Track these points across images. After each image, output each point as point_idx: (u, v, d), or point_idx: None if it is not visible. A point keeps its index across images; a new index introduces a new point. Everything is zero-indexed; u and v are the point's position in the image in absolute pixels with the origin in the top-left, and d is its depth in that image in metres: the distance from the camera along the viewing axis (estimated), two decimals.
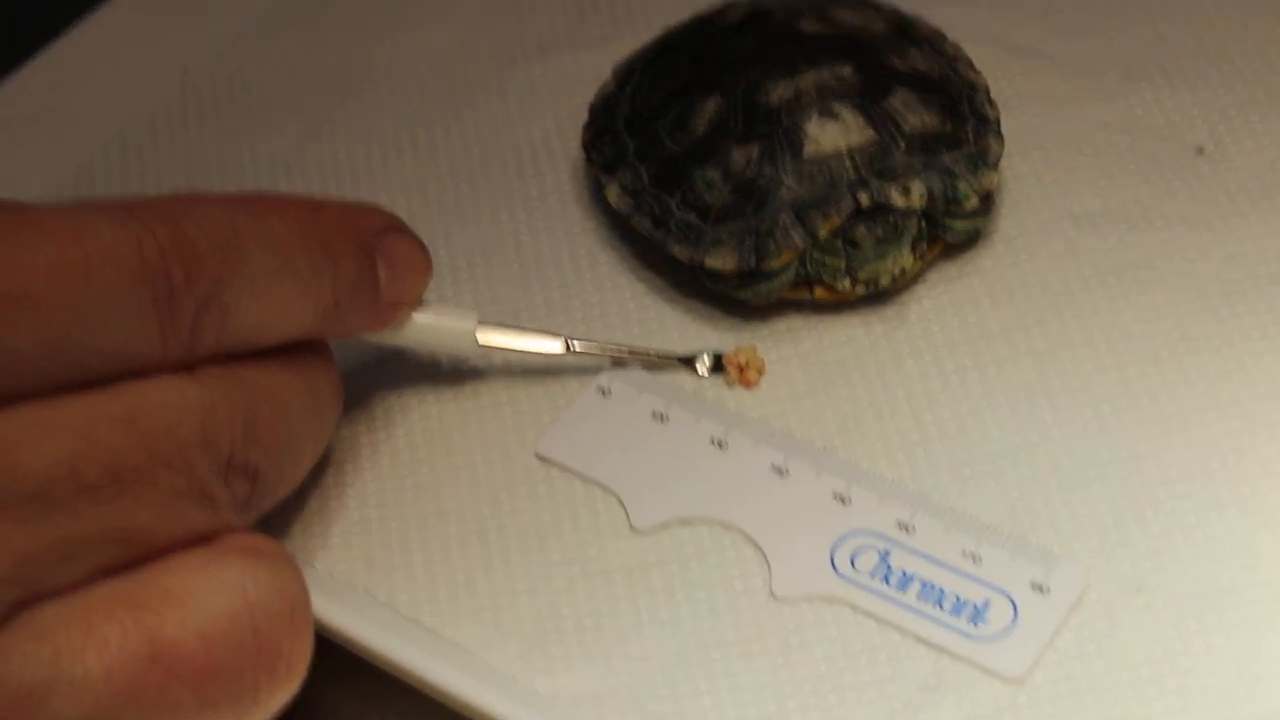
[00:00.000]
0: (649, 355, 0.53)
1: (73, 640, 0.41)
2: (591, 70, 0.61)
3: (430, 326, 0.51)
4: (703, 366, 0.53)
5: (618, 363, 0.53)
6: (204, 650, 0.42)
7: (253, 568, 0.43)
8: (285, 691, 0.44)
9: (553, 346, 0.52)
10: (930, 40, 0.58)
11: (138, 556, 0.43)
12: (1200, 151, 0.58)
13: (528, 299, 0.56)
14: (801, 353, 0.53)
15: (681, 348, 0.53)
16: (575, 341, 0.53)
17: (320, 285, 0.47)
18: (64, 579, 0.41)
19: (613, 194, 0.55)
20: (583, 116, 0.59)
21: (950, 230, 0.54)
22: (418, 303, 0.50)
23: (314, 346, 0.48)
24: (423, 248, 0.50)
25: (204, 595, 0.42)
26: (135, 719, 0.41)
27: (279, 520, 0.50)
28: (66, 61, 0.63)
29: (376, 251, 0.48)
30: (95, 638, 0.41)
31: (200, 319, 0.43)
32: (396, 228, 0.49)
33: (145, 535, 0.42)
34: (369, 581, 0.49)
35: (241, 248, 0.44)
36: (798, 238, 0.52)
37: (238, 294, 0.44)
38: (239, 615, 0.43)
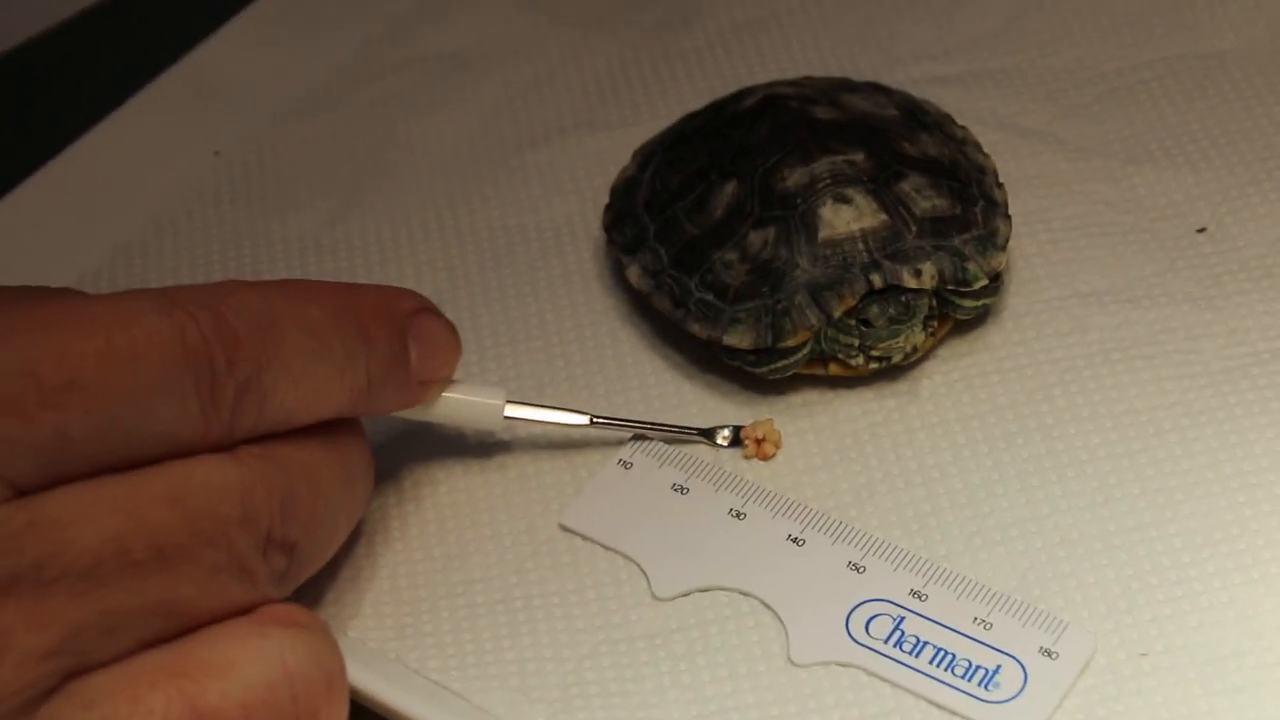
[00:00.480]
0: (670, 429, 0.55)
1: (119, 708, 0.42)
2: (611, 153, 0.63)
3: (460, 403, 0.52)
4: (723, 439, 0.54)
5: (639, 436, 0.54)
6: (244, 718, 0.43)
7: (291, 638, 0.45)
8: None
9: (577, 421, 0.54)
10: (940, 124, 0.59)
11: (181, 628, 0.44)
12: (1202, 231, 0.59)
13: (551, 374, 0.57)
14: (817, 426, 0.55)
15: (700, 421, 0.55)
16: (596, 418, 0.54)
17: (355, 367, 0.48)
18: (111, 650, 0.43)
19: (634, 274, 0.57)
20: (603, 198, 0.60)
21: (960, 308, 0.56)
22: (448, 381, 0.52)
23: (347, 424, 0.49)
24: (452, 328, 0.52)
25: (244, 665, 0.44)
26: None
27: (314, 590, 0.52)
28: (104, 146, 0.65)
29: (408, 332, 0.50)
30: (141, 707, 0.42)
31: (240, 402, 0.45)
32: (427, 309, 0.51)
33: (188, 608, 0.44)
34: (400, 649, 0.51)
35: (279, 333, 0.46)
36: (813, 317, 0.54)
37: (276, 377, 0.46)
38: (278, 684, 0.44)
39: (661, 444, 0.54)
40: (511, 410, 0.53)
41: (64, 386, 0.42)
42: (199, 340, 0.44)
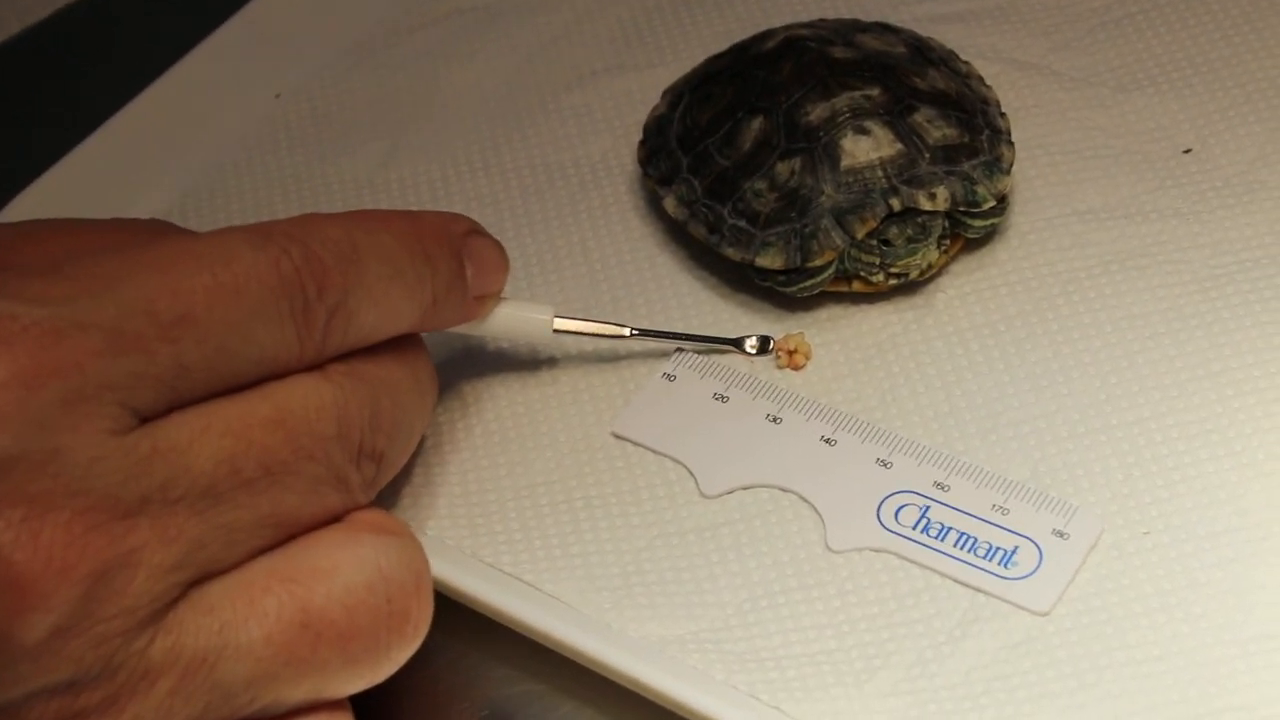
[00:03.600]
0: (703, 339, 0.59)
1: (237, 612, 0.46)
2: (640, 93, 0.67)
3: (513, 317, 0.56)
4: (751, 347, 0.59)
5: (680, 350, 0.59)
6: (347, 617, 0.48)
7: (384, 544, 0.49)
8: (412, 648, 0.49)
9: (617, 331, 0.58)
10: (945, 60, 0.63)
11: (287, 536, 0.48)
12: (1188, 152, 0.63)
13: (596, 297, 0.61)
14: (842, 338, 0.59)
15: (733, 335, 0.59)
16: (636, 329, 0.58)
17: (423, 287, 0.52)
18: (228, 560, 0.47)
19: (670, 205, 0.62)
20: (634, 134, 0.64)
21: (970, 228, 0.60)
22: (499, 296, 0.56)
23: (412, 340, 0.53)
24: (500, 248, 0.55)
25: (345, 570, 0.48)
26: (290, 676, 0.47)
27: (393, 495, 0.56)
28: (173, 91, 0.68)
29: (463, 253, 0.54)
30: (256, 610, 0.47)
31: (330, 324, 0.49)
32: (478, 231, 0.55)
33: (293, 517, 0.48)
34: (474, 545, 0.55)
35: (360, 260, 0.50)
36: (838, 238, 0.59)
37: (359, 300, 0.50)
38: (375, 586, 0.48)
39: (702, 357, 0.59)
40: (559, 324, 0.57)
41: (178, 321, 0.46)
42: (292, 271, 0.48)
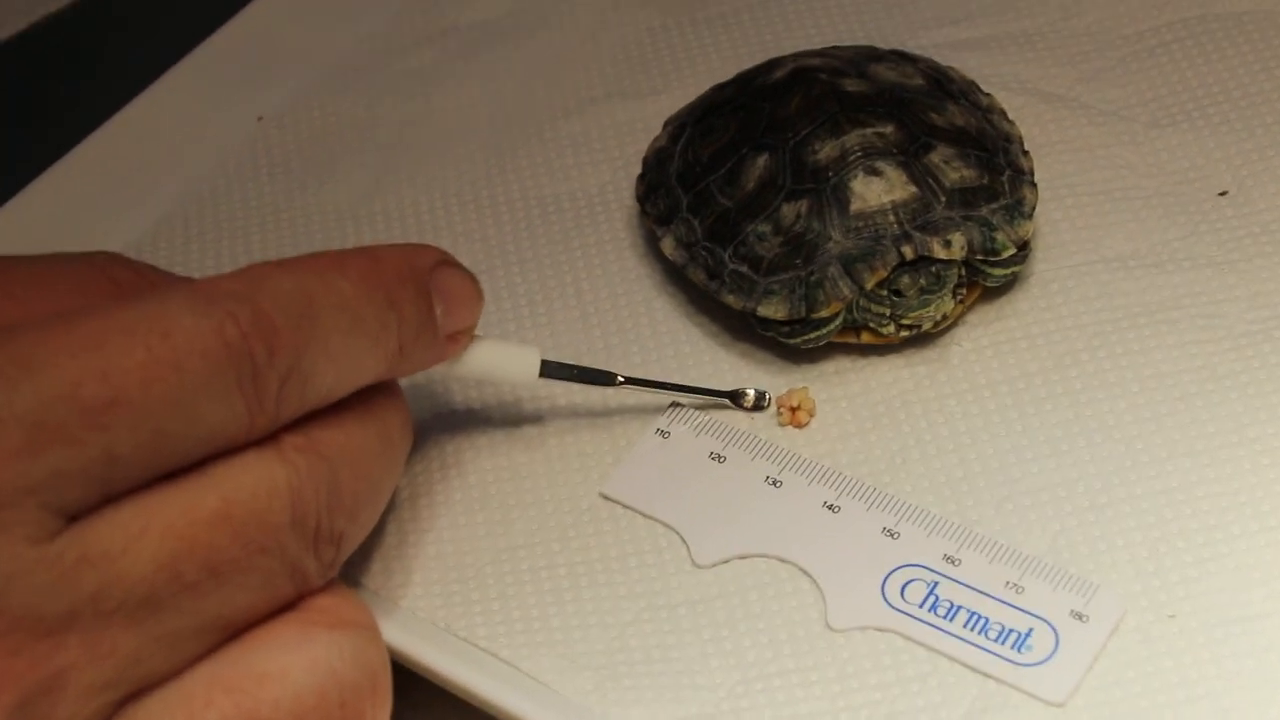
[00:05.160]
0: (697, 391, 0.56)
1: None
2: (642, 122, 0.64)
3: (493, 358, 0.52)
4: (746, 402, 0.55)
5: (676, 405, 0.55)
6: None
7: (338, 642, 0.45)
8: None
9: (604, 379, 0.55)
10: (966, 92, 0.60)
11: (234, 634, 0.45)
12: (1224, 194, 0.60)
13: (589, 343, 0.58)
14: (849, 394, 0.56)
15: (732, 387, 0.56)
16: (625, 377, 0.55)
17: (387, 334, 0.48)
18: (167, 670, 0.43)
19: (668, 246, 0.58)
20: (634, 166, 0.61)
21: (989, 276, 0.57)
22: (472, 333, 0.51)
23: (380, 384, 0.49)
24: (472, 279, 0.51)
25: (295, 674, 0.44)
26: None
27: (362, 559, 0.53)
28: (148, 114, 0.65)
29: (430, 288, 0.49)
30: None
31: (283, 390, 0.45)
32: (446, 262, 0.50)
33: (242, 617, 0.44)
34: (448, 617, 0.52)
35: (314, 314, 0.45)
36: (846, 288, 0.55)
37: (315, 359, 0.45)
38: (327, 691, 0.44)
39: (698, 413, 0.55)
40: (543, 367, 0.53)
41: (108, 405, 0.42)
42: (238, 337, 0.43)
